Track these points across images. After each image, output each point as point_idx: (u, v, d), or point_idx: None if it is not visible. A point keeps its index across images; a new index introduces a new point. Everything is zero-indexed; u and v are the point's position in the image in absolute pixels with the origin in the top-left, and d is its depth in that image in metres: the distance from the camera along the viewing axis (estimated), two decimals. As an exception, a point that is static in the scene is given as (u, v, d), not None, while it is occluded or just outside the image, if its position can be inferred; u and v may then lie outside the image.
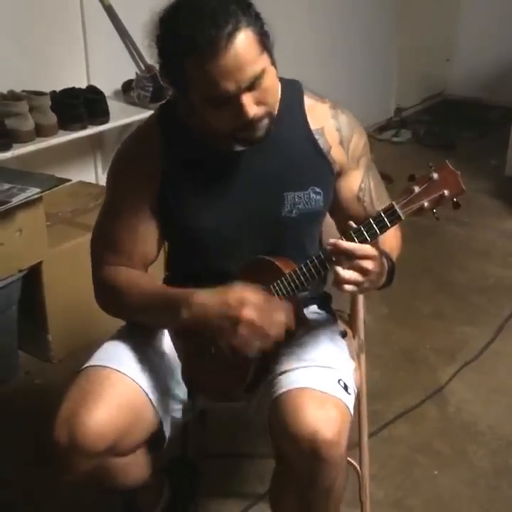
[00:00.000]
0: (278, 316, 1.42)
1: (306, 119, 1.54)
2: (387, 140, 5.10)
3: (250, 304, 1.39)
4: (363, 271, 1.36)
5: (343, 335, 1.70)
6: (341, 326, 1.76)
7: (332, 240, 1.37)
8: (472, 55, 5.88)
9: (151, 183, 1.52)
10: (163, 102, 1.63)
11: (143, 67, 3.35)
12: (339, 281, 1.36)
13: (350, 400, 1.49)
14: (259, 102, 1.38)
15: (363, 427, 1.89)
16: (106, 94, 3.01)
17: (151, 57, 1.41)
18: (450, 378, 2.63)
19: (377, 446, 2.20)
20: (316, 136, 1.54)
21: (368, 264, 1.36)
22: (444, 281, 3.32)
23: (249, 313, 1.39)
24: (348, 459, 1.55)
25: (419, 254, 3.41)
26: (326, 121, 1.56)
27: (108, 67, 3.24)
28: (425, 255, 3.48)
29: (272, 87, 1.41)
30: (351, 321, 1.86)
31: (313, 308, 1.73)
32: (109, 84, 3.21)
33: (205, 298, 1.42)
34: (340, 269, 1.36)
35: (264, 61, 1.36)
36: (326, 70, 4.55)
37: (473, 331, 2.93)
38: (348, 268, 1.35)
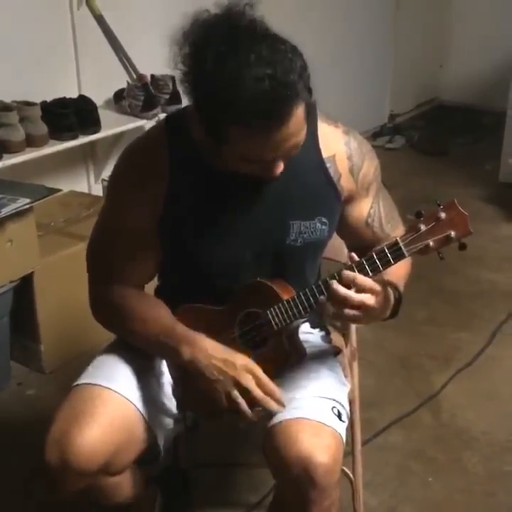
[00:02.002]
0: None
1: (319, 146, 1.48)
2: (381, 146, 5.09)
3: (255, 375, 1.42)
4: (362, 307, 1.33)
5: (337, 353, 1.69)
6: (335, 339, 1.74)
7: (334, 285, 1.32)
8: (465, 61, 5.91)
9: (154, 204, 1.46)
10: (171, 113, 1.56)
11: (134, 76, 3.35)
12: (338, 319, 1.36)
13: (343, 428, 1.48)
14: (286, 160, 1.35)
15: (356, 434, 1.87)
16: (97, 104, 3.01)
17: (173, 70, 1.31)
18: (444, 384, 2.63)
19: (371, 454, 2.19)
20: (327, 164, 1.49)
21: (369, 300, 1.33)
22: (438, 286, 3.31)
23: (249, 382, 1.41)
24: (342, 467, 1.53)
25: (413, 260, 3.39)
26: (337, 148, 1.50)
27: (99, 77, 3.24)
28: (418, 261, 3.45)
29: (300, 145, 1.36)
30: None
31: (306, 326, 1.70)
32: (100, 94, 3.22)
33: (211, 346, 1.44)
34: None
35: (305, 128, 1.32)
36: (320, 76, 4.54)
37: (467, 336, 2.93)
38: (349, 307, 1.33)
